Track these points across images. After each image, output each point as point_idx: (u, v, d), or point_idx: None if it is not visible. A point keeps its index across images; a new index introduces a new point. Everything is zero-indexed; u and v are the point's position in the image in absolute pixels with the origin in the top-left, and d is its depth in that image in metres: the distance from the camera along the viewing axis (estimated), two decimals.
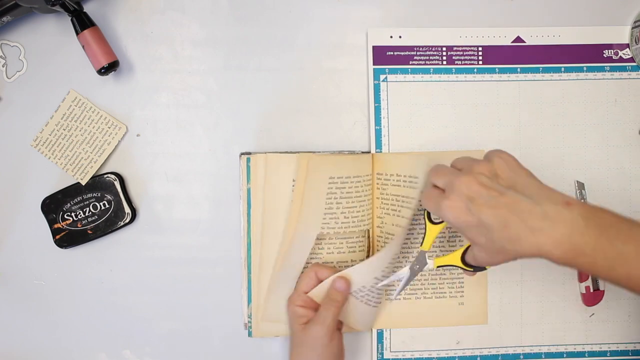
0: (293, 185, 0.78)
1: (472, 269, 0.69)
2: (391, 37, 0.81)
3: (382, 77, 0.81)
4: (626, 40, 0.82)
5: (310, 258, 0.78)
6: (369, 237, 0.80)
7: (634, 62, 0.82)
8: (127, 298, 0.81)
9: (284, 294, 0.78)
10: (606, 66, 0.82)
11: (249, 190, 0.78)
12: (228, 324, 0.81)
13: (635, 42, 0.80)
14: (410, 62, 0.81)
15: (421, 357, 0.82)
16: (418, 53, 0.81)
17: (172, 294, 0.81)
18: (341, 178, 0.77)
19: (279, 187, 0.78)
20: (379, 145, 0.81)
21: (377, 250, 0.80)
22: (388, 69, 0.81)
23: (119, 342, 0.82)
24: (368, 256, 0.80)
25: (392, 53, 0.81)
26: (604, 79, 0.82)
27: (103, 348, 0.82)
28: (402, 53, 0.81)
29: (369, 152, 0.81)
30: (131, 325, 0.82)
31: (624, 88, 0.82)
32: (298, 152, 0.79)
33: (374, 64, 0.81)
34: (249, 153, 0.79)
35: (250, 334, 0.80)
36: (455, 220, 0.60)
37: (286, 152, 0.79)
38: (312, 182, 0.77)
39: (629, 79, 0.82)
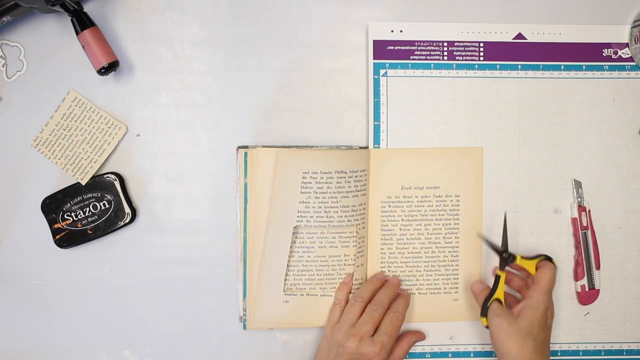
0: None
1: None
2: (392, 31, 0.81)
3: (382, 71, 0.81)
4: (625, 40, 0.82)
5: (303, 252, 0.79)
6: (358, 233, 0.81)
7: (633, 61, 0.82)
8: (127, 298, 0.81)
9: (275, 292, 0.79)
10: (605, 65, 0.82)
11: (245, 185, 0.78)
12: (228, 323, 0.82)
13: (635, 42, 0.80)
14: (411, 57, 0.81)
15: (414, 352, 0.82)
16: (419, 48, 0.81)
17: (172, 294, 0.82)
18: (325, 173, 0.77)
19: (265, 180, 0.78)
20: (377, 140, 0.81)
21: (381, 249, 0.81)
22: (388, 63, 0.81)
23: (119, 342, 0.82)
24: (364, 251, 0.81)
25: (392, 47, 0.81)
26: (602, 77, 0.82)
27: (103, 348, 0.82)
28: (403, 48, 0.81)
29: (366, 148, 0.81)
30: (131, 325, 0.82)
31: (623, 87, 0.82)
32: (285, 147, 0.80)
33: (374, 59, 0.81)
34: (246, 147, 0.79)
35: (245, 327, 0.80)
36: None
37: (272, 147, 0.80)
38: (283, 176, 0.77)
39: (628, 78, 0.82)
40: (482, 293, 0.78)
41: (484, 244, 0.80)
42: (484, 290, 0.78)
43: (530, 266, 0.77)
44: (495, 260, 0.80)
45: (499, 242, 0.79)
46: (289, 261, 0.79)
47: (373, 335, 0.75)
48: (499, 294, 0.76)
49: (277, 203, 0.78)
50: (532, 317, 0.73)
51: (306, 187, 0.77)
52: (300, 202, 0.78)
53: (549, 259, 0.78)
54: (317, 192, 0.78)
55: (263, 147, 0.79)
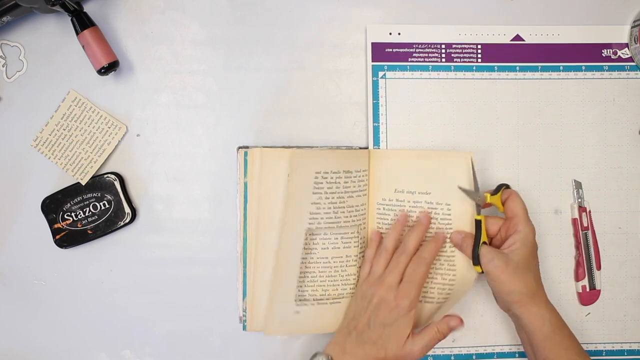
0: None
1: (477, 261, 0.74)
2: (390, 33, 0.81)
3: (380, 73, 0.81)
4: (625, 40, 0.82)
5: (306, 253, 0.78)
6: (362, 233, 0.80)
7: (633, 61, 0.82)
8: (127, 298, 0.81)
9: (287, 299, 0.78)
10: (605, 65, 0.82)
11: (245, 185, 0.78)
12: (228, 323, 0.81)
13: (634, 42, 0.81)
14: (409, 59, 0.81)
15: None
16: (417, 50, 0.81)
17: (172, 294, 0.81)
18: (335, 173, 0.77)
19: (274, 181, 0.78)
20: (377, 142, 0.81)
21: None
22: (387, 65, 0.81)
23: (119, 342, 0.82)
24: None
25: (391, 50, 0.81)
26: (602, 78, 0.82)
27: (103, 348, 0.82)
28: (401, 50, 0.81)
29: (366, 148, 0.81)
30: (131, 325, 0.82)
31: (622, 87, 0.82)
32: (290, 147, 0.79)
33: (372, 61, 0.81)
34: (247, 147, 0.79)
35: (244, 328, 0.80)
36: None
37: (282, 147, 0.79)
38: (297, 177, 0.77)
39: (628, 78, 0.82)
40: (465, 242, 0.76)
41: (461, 191, 0.78)
42: (465, 238, 0.76)
43: (497, 201, 0.76)
44: None
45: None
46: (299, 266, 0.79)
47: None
48: (484, 238, 0.75)
49: (291, 205, 0.77)
50: (525, 250, 0.73)
51: (318, 188, 0.77)
52: (312, 204, 0.77)
53: (507, 186, 0.77)
54: (327, 193, 0.77)
55: (263, 147, 0.79)
